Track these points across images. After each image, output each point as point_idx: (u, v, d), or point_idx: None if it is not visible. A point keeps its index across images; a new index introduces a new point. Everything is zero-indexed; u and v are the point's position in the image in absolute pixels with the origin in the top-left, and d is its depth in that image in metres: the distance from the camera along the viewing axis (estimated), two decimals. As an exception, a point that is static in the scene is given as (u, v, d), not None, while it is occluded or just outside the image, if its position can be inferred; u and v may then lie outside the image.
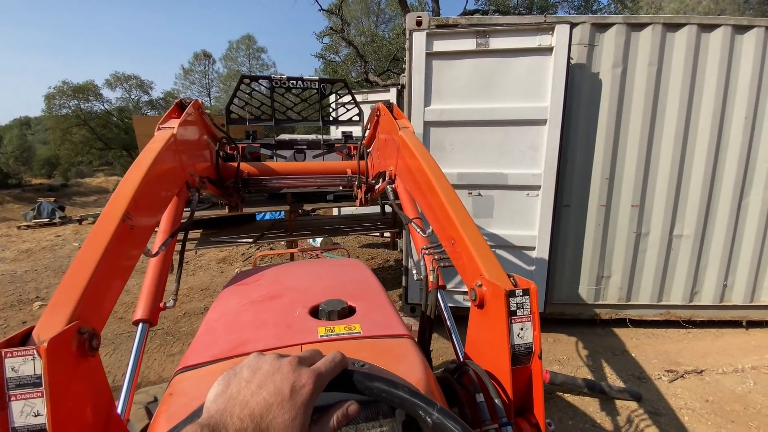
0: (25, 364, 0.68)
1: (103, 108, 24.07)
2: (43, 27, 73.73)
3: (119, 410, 0.96)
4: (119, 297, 0.98)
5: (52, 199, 13.28)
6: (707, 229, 3.62)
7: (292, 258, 4.86)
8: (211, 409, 0.46)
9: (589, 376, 3.14)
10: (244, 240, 4.13)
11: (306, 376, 0.50)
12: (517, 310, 0.94)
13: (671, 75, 3.36)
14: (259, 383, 0.47)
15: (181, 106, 1.68)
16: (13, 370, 0.68)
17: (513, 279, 0.99)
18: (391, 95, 6.03)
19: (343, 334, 0.99)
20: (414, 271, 1.65)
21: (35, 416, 0.68)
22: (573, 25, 3.10)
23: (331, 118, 2.80)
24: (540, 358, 0.96)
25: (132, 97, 25.38)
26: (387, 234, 6.58)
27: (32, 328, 0.74)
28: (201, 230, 4.64)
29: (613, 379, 3.12)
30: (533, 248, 3.39)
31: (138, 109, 25.38)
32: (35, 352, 0.68)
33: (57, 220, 11.64)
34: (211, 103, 31.40)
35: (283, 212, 6.01)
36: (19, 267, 6.86)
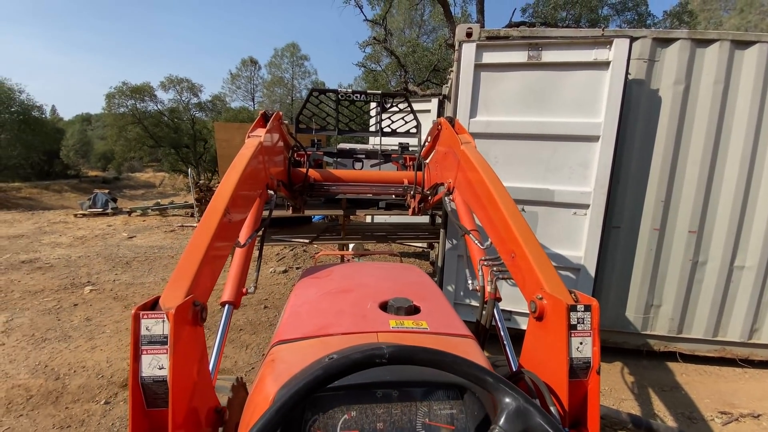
0: (156, 325, 0.83)
1: (156, 108, 25.56)
2: (107, 32, 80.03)
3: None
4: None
5: (107, 191, 14.20)
6: (773, 261, 3.33)
7: (342, 260, 4.96)
8: None
9: (634, 411, 2.94)
10: (301, 239, 4.34)
11: None
12: (578, 325, 0.96)
13: (739, 94, 3.14)
14: None
15: (265, 117, 1.92)
16: (147, 329, 0.83)
17: (574, 294, 1.02)
18: (432, 105, 6.01)
19: (412, 327, 1.05)
20: (469, 281, 1.66)
21: (159, 369, 0.82)
22: (633, 39, 2.98)
23: (389, 130, 2.91)
24: (598, 373, 0.96)
25: (182, 99, 26.79)
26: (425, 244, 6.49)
27: (158, 297, 0.89)
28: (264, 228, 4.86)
29: (661, 417, 2.90)
30: (578, 269, 3.24)
31: (187, 110, 26.72)
32: (165, 316, 0.83)
33: (109, 210, 12.44)
34: (254, 107, 32.66)
35: (322, 216, 6.16)
36: (74, 252, 7.36)
